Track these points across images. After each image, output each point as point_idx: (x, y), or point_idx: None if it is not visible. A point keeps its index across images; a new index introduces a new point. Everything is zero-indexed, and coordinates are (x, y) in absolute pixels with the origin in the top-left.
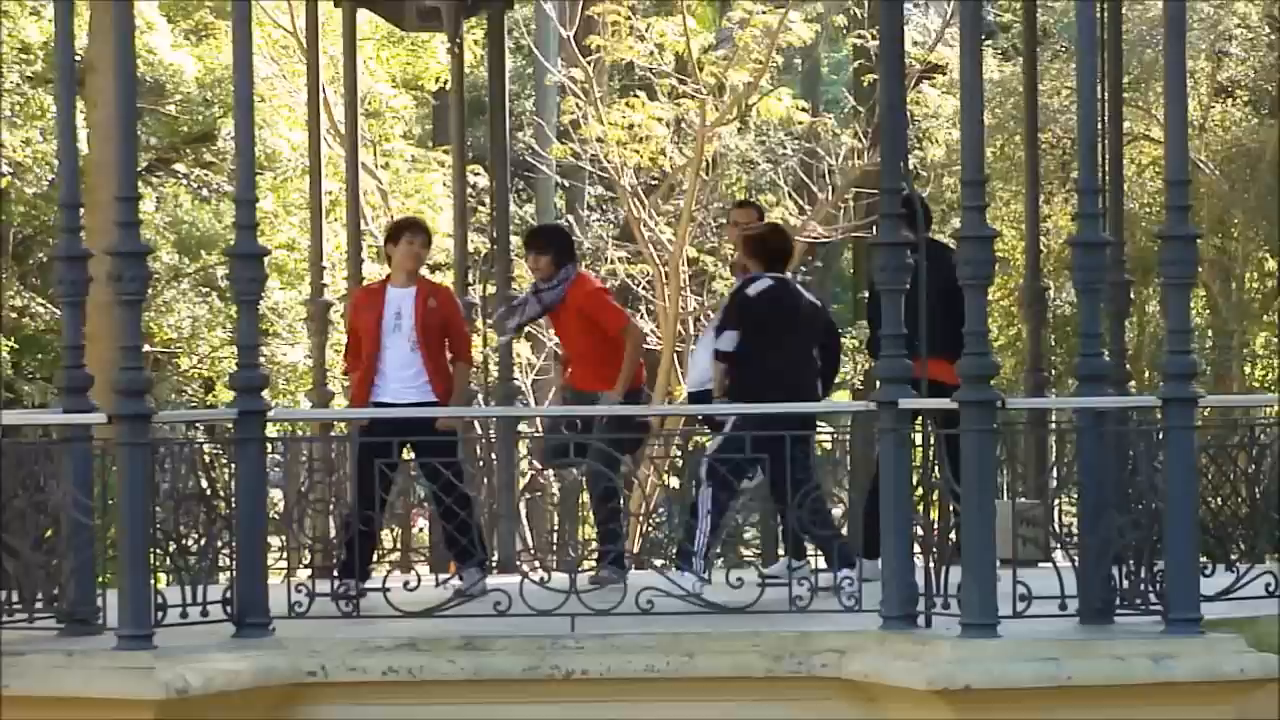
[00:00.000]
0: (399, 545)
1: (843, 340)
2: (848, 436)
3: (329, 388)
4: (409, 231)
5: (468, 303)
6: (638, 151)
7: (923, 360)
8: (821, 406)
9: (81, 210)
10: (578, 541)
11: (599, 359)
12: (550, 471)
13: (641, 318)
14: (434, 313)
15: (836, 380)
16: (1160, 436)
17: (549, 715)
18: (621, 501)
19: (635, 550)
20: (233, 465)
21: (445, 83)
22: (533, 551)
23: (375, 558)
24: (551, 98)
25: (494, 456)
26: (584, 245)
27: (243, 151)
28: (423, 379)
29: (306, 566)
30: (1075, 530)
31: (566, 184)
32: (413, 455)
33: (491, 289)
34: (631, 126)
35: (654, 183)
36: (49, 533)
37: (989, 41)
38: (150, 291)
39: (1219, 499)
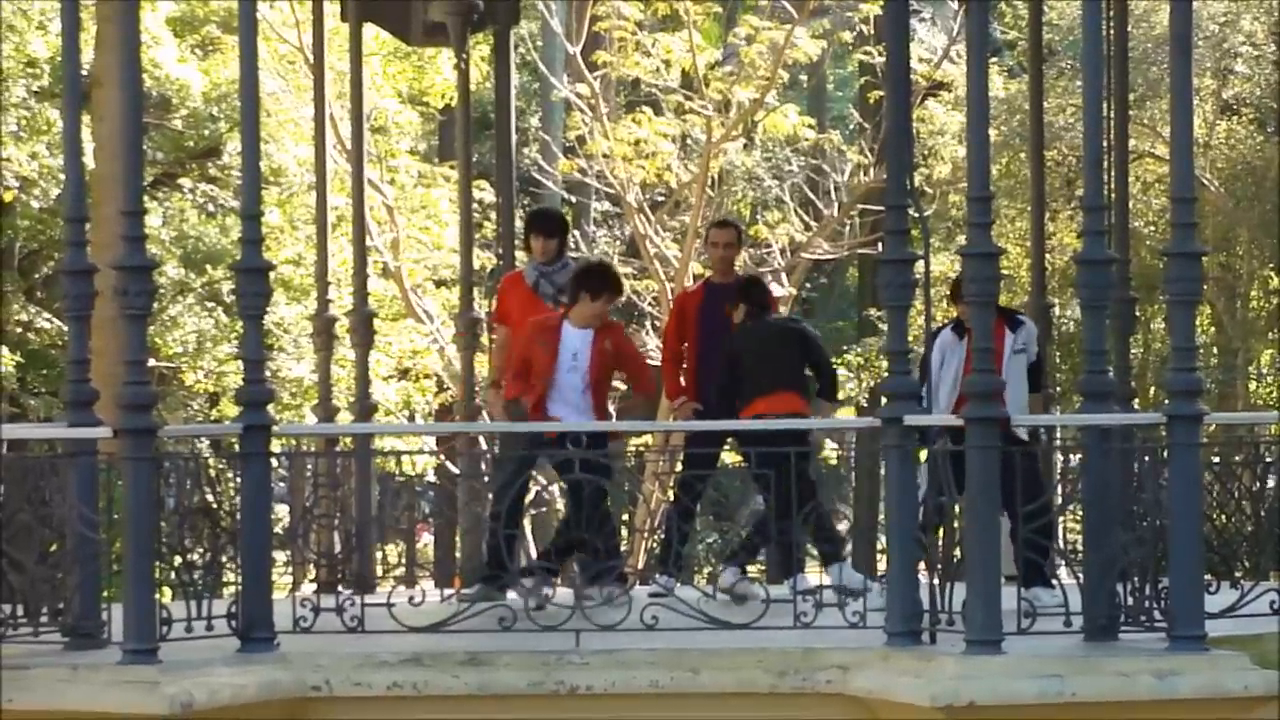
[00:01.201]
0: (404, 560)
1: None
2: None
3: (334, 402)
4: (608, 291)
5: (473, 318)
6: (643, 167)
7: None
8: (829, 423)
9: (87, 225)
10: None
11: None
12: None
13: (647, 334)
14: (609, 355)
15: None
16: (1165, 454)
17: None
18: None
19: (640, 566)
20: (238, 480)
21: (451, 98)
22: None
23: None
24: (558, 113)
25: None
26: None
27: (248, 166)
28: (589, 414)
29: (312, 581)
30: (1080, 547)
31: (572, 200)
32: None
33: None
34: (637, 142)
35: (660, 199)
36: (54, 547)
37: (994, 59)
38: (156, 306)
39: (1223, 516)
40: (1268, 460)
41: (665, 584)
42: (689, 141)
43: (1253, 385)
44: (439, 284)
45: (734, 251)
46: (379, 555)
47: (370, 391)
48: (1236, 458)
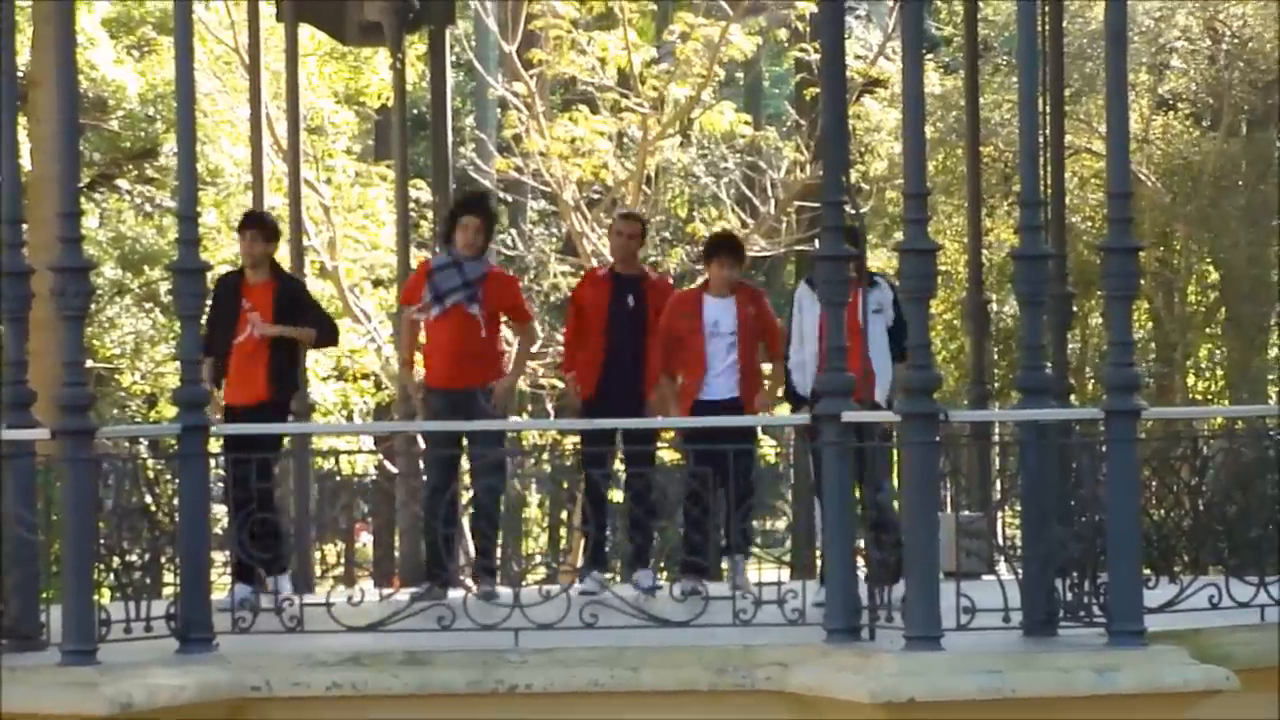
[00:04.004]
0: (342, 560)
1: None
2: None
3: None
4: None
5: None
6: (579, 165)
7: None
8: (764, 420)
9: (24, 226)
10: (521, 556)
11: (493, 353)
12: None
13: None
14: (753, 319)
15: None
16: (1103, 449)
17: None
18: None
19: (578, 564)
20: (176, 481)
21: (387, 98)
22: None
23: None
24: (493, 112)
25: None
26: (527, 259)
27: (185, 167)
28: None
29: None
30: (1019, 543)
31: (509, 198)
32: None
33: None
34: (573, 140)
35: (596, 196)
36: None
37: (930, 55)
38: (93, 307)
39: (1162, 511)
40: (1206, 455)
41: (597, 581)
42: (625, 139)
43: (1191, 380)
44: (376, 283)
45: (638, 243)
46: (317, 555)
47: (308, 391)
48: (1175, 453)
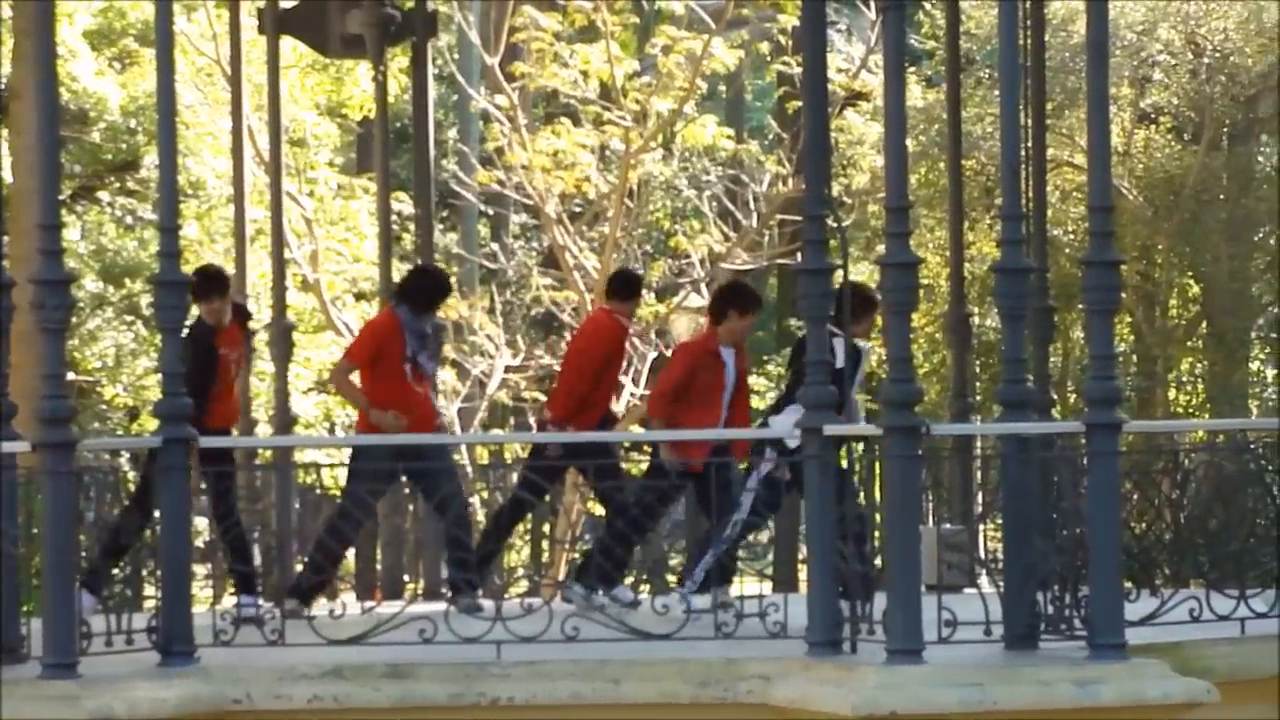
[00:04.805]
0: None
1: (768, 367)
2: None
3: (253, 415)
4: (756, 307)
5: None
6: (562, 178)
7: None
8: (749, 433)
9: (4, 238)
10: (504, 569)
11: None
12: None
13: (565, 344)
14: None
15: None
16: (1084, 462)
17: None
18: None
19: (560, 577)
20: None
21: (369, 110)
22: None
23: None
24: (475, 125)
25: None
26: (509, 272)
27: (166, 179)
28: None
29: (232, 594)
30: (1000, 556)
31: (491, 211)
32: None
33: None
34: (556, 153)
35: (578, 210)
36: None
37: (912, 69)
38: (74, 320)
39: (1143, 524)
40: (1187, 468)
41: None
42: (607, 152)
43: (1172, 393)
44: (358, 296)
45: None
46: (299, 568)
47: (290, 404)
48: (1156, 466)
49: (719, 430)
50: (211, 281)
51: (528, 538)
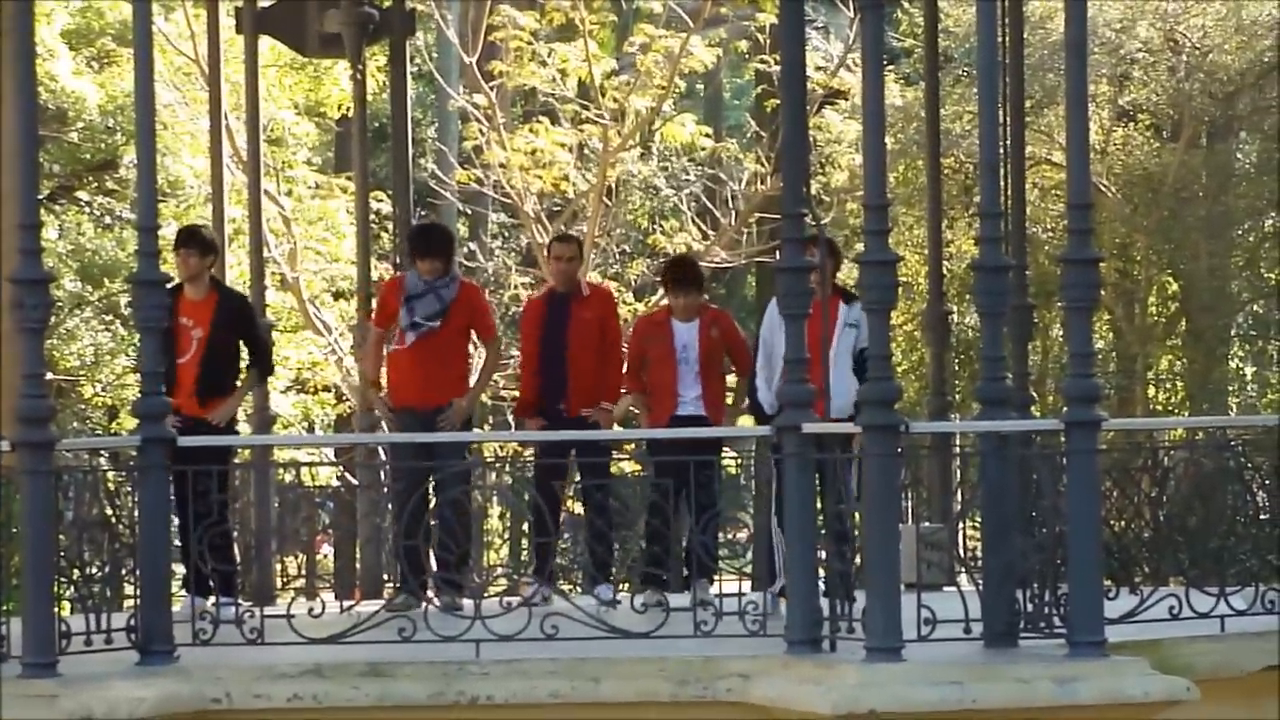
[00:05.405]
0: (304, 572)
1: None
2: (752, 461)
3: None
4: (685, 284)
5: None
6: (540, 177)
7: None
8: (724, 431)
9: None
10: (483, 567)
11: (460, 371)
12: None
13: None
14: (717, 343)
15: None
16: (1063, 460)
17: None
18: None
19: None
20: (136, 493)
21: (348, 109)
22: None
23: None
24: (454, 124)
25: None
26: (488, 271)
27: (144, 179)
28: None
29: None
30: (979, 554)
31: (469, 210)
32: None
33: None
34: (534, 152)
35: (557, 208)
36: None
37: (891, 66)
38: (53, 319)
39: (1122, 522)
40: (1166, 466)
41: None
42: (586, 151)
43: (1151, 391)
44: (337, 295)
45: (575, 265)
46: (278, 567)
47: (269, 404)
48: (1135, 464)
49: (718, 429)
50: (184, 234)
51: (507, 536)
